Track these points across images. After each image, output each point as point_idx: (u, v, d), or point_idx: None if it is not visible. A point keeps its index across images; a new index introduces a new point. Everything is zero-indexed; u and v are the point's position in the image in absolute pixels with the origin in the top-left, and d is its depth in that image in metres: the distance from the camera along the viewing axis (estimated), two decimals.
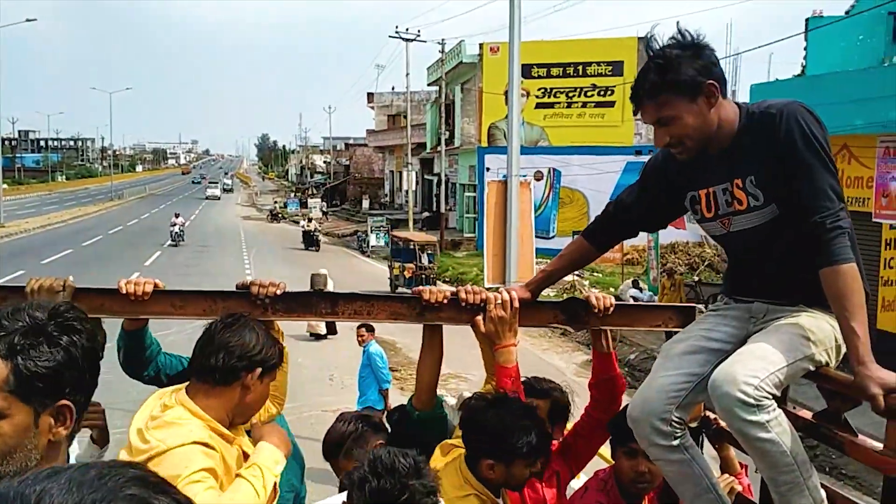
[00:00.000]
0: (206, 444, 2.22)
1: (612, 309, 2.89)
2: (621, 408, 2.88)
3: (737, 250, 2.57)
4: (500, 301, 2.82)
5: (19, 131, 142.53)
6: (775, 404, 2.21)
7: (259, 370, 2.36)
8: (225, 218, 55.83)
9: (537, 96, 31.61)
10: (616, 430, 2.87)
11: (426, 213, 43.24)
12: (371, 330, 9.64)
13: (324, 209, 54.09)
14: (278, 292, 2.78)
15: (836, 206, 2.24)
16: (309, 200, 61.53)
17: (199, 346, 2.38)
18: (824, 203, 2.24)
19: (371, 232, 35.79)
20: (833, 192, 2.25)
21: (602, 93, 31.10)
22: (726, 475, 2.84)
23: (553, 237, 29.00)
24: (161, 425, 2.23)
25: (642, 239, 21.31)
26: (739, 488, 2.81)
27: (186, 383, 2.42)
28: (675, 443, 2.46)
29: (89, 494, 0.71)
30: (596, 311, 2.87)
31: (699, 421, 2.92)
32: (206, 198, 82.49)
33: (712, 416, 2.96)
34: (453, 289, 2.96)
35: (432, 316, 2.90)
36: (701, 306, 2.96)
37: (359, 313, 2.87)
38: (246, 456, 2.37)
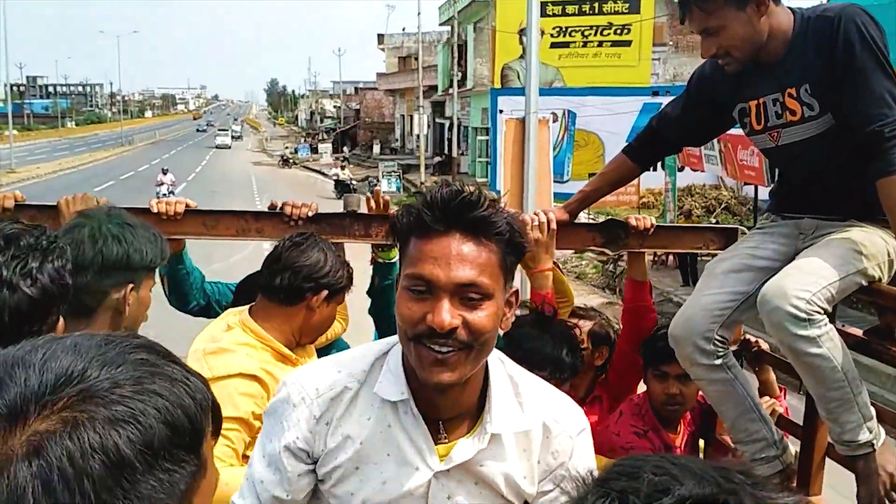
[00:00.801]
0: (253, 377, 2.19)
1: (652, 230, 2.83)
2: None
3: (786, 164, 2.49)
4: (536, 223, 2.75)
5: (27, 77, 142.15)
6: (826, 319, 2.16)
7: (325, 293, 2.33)
8: (235, 164, 55.59)
9: (552, 35, 31.02)
10: (647, 352, 2.84)
11: (437, 158, 42.90)
12: None
13: (346, 155, 53.66)
14: (310, 213, 2.74)
15: (895, 114, 2.16)
16: (319, 146, 61.22)
17: (266, 265, 2.34)
18: (882, 111, 2.15)
19: (382, 177, 35.62)
20: (893, 98, 2.16)
21: (618, 31, 30.50)
22: (766, 397, 2.80)
23: (567, 181, 28.70)
24: (216, 351, 2.22)
25: (659, 181, 21.16)
26: (781, 410, 2.78)
27: (252, 303, 2.39)
28: (718, 362, 2.42)
29: (97, 357, 0.68)
30: (636, 231, 2.82)
31: (738, 344, 2.87)
32: (217, 146, 74.18)
33: (752, 338, 2.92)
34: None
35: None
36: (743, 227, 2.90)
37: (391, 235, 2.82)
38: None
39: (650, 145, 2.73)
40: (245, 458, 2.18)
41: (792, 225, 2.45)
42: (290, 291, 2.28)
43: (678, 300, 14.56)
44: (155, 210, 2.65)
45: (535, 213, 2.79)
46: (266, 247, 2.60)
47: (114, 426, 0.64)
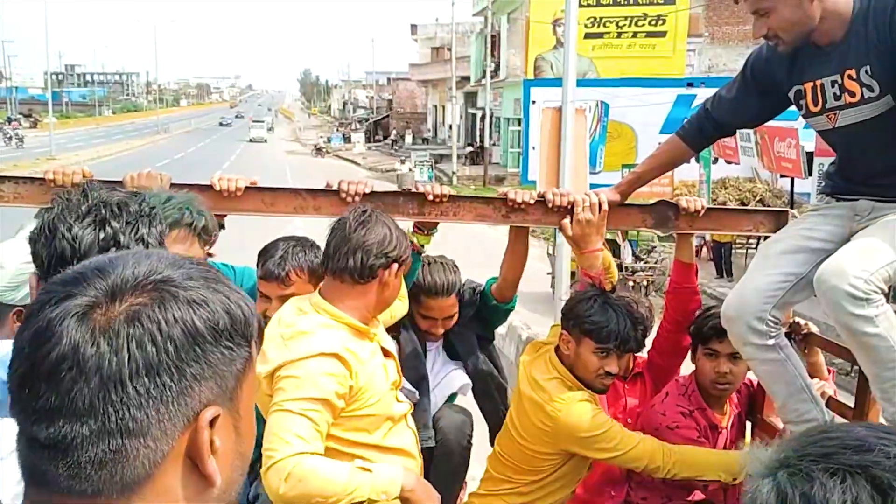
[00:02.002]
0: (334, 356, 2.22)
1: (702, 212, 2.85)
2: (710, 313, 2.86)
3: (842, 146, 2.49)
4: (588, 203, 2.79)
5: (66, 65, 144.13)
6: (884, 299, 2.17)
7: (395, 266, 2.36)
8: (269, 153, 55.91)
9: (586, 26, 30.78)
10: (697, 331, 2.86)
11: (469, 148, 42.86)
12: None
13: (412, 149, 53.46)
14: (367, 190, 2.79)
15: None
16: (352, 135, 61.40)
17: (332, 246, 2.36)
18: None
19: (415, 166, 35.67)
20: None
21: (653, 22, 30.21)
22: (817, 379, 2.81)
23: (600, 172, 28.43)
24: (294, 335, 2.26)
25: (693, 173, 20.94)
26: (831, 391, 2.79)
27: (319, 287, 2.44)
28: (771, 342, 2.44)
29: (172, 263, 0.85)
30: (686, 213, 2.84)
31: (787, 326, 2.88)
32: (251, 140, 66.47)
33: (802, 321, 2.93)
34: (540, 190, 2.94)
35: (518, 217, 2.90)
36: (794, 211, 2.91)
37: (445, 214, 2.87)
38: (384, 352, 2.41)
39: (704, 128, 2.74)
40: (331, 437, 2.22)
41: (847, 207, 2.46)
42: (364, 270, 2.31)
43: (711, 292, 14.44)
44: (217, 187, 2.71)
45: (585, 194, 2.82)
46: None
47: (190, 306, 0.80)
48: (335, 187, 2.81)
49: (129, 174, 2.69)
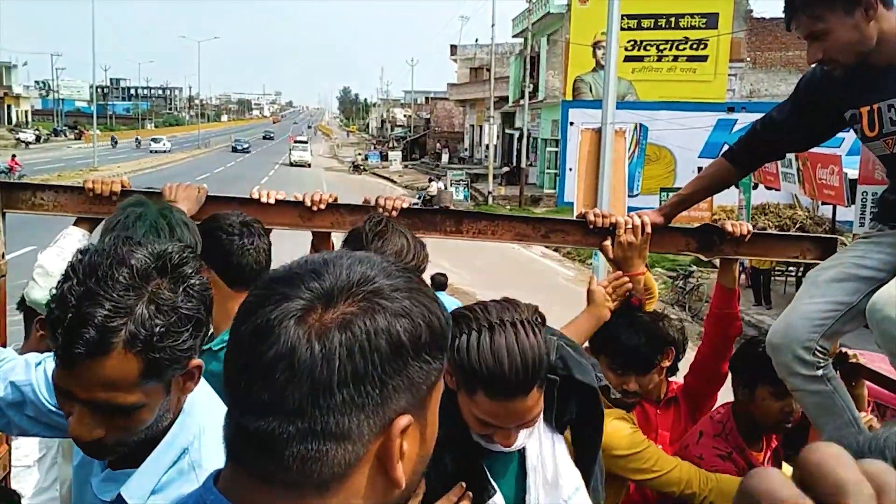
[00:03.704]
0: None
1: (748, 237, 2.77)
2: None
3: None
4: (630, 226, 2.72)
5: (111, 79, 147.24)
6: None
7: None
8: (306, 169, 56.39)
9: (626, 49, 30.72)
10: (762, 369, 2.72)
11: (505, 168, 42.89)
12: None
13: (437, 167, 53.41)
14: (404, 205, 2.76)
15: None
16: (389, 153, 61.82)
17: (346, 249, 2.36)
18: None
19: (451, 185, 35.75)
20: None
21: (695, 46, 30.06)
22: (862, 413, 2.70)
23: (637, 195, 28.32)
24: None
25: (732, 198, 20.72)
26: (877, 426, 2.67)
27: None
28: (819, 373, 2.35)
29: (383, 269, 0.87)
30: (732, 237, 2.76)
31: (834, 356, 2.78)
32: (292, 163, 57.74)
33: (850, 351, 2.83)
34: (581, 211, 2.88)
35: (557, 238, 2.85)
36: (843, 238, 2.81)
37: (483, 233, 2.83)
38: None
39: (753, 150, 2.67)
40: None
41: None
42: None
43: (749, 319, 14.19)
44: (256, 196, 2.71)
45: (629, 216, 2.76)
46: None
47: (395, 317, 0.82)
48: (373, 203, 2.78)
49: (168, 185, 2.69)
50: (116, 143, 76.83)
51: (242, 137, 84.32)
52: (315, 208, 2.73)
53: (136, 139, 76.78)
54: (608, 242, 2.74)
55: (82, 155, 54.21)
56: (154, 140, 72.99)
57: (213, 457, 0.93)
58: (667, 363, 2.83)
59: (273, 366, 0.79)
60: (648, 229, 2.71)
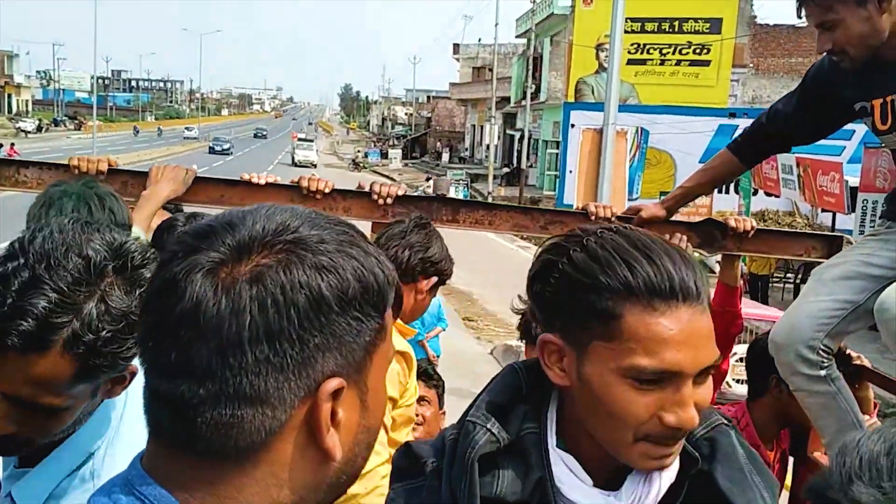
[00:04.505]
0: (402, 354, 2.23)
1: (752, 233, 2.70)
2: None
3: None
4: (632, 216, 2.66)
5: (112, 71, 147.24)
6: None
7: (435, 279, 2.35)
8: (309, 169, 56.18)
9: (629, 52, 30.65)
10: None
11: (506, 169, 42.86)
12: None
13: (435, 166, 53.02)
14: (400, 192, 2.69)
15: None
16: (390, 151, 61.82)
17: (384, 237, 2.34)
18: None
19: (451, 185, 35.71)
20: None
21: (698, 51, 30.02)
22: (866, 416, 2.63)
23: (637, 198, 28.29)
24: None
25: (732, 204, 20.70)
26: None
27: None
28: (822, 373, 2.28)
29: (309, 219, 0.80)
30: (734, 233, 2.70)
31: (838, 358, 2.71)
32: (296, 163, 50.66)
33: (854, 353, 2.76)
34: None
35: (556, 229, 2.78)
36: (849, 236, 2.74)
37: (480, 223, 2.76)
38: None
39: (757, 142, 2.60)
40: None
41: None
42: (408, 269, 2.28)
43: (746, 325, 14.13)
44: (248, 177, 2.65)
45: (629, 208, 2.70)
46: None
47: (318, 271, 0.75)
48: (367, 189, 2.71)
49: (155, 166, 2.62)
50: (138, 132, 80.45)
51: (223, 136, 67.82)
52: (316, 195, 2.66)
53: (159, 129, 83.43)
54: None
55: (81, 145, 54.09)
56: (188, 129, 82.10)
57: (120, 467, 0.82)
58: None
59: (178, 323, 0.73)
60: (645, 217, 2.66)
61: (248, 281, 0.73)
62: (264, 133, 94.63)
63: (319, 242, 0.77)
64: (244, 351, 0.72)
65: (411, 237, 2.32)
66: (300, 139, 60.30)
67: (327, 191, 2.67)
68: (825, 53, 2.30)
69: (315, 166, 51.05)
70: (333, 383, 0.76)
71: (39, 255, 1.12)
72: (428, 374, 3.07)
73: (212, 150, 61.01)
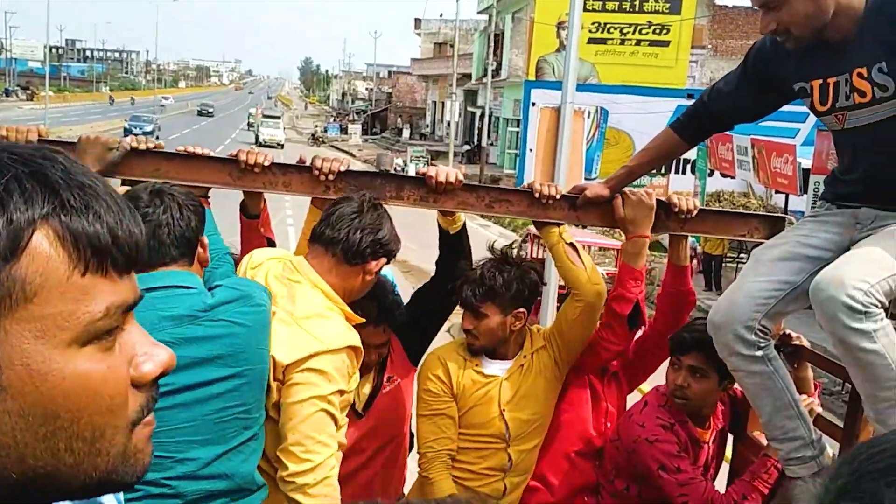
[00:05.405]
0: (354, 349, 2.19)
1: (695, 212, 2.70)
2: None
3: (848, 149, 2.34)
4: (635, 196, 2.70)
5: (66, 40, 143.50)
6: (884, 314, 2.03)
7: (384, 260, 2.32)
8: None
9: (590, 31, 30.70)
10: (672, 340, 2.74)
11: (466, 146, 42.74)
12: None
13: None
14: (342, 168, 2.63)
15: None
16: (349, 126, 61.25)
17: (335, 217, 2.29)
18: None
19: (410, 161, 35.47)
20: None
21: (657, 31, 30.14)
22: (804, 395, 2.67)
23: (595, 178, 28.39)
24: (311, 316, 2.17)
25: (688, 184, 20.91)
26: (819, 410, 2.64)
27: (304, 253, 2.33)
28: (759, 353, 2.30)
29: None
30: (678, 212, 2.69)
31: (777, 338, 2.74)
32: (260, 144, 43.27)
33: (793, 333, 2.79)
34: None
35: (501, 208, 2.76)
36: (790, 217, 2.77)
37: (425, 200, 2.71)
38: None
39: (699, 121, 2.60)
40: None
41: (848, 214, 2.31)
42: (358, 251, 2.24)
43: (700, 304, 14.34)
44: (182, 150, 2.57)
45: (574, 186, 2.69)
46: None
47: None
48: (308, 163, 2.64)
49: (84, 135, 2.52)
50: (114, 101, 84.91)
51: (144, 114, 53.06)
52: (254, 169, 2.58)
53: (110, 98, 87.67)
54: (619, 200, 2.67)
55: (33, 116, 52.66)
56: (164, 98, 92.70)
57: None
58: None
59: None
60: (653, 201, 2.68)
61: None
62: (210, 110, 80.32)
63: None
64: None
65: (364, 218, 2.27)
66: (265, 115, 55.51)
67: (267, 163, 2.60)
68: (766, 34, 2.30)
69: (282, 146, 45.97)
70: None
71: None
72: None
73: (200, 113, 73.42)
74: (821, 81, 2.24)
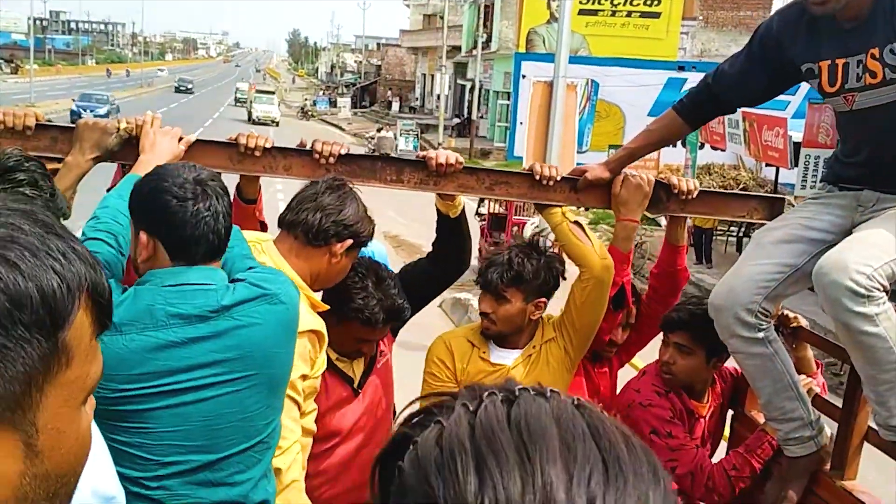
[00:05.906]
0: (316, 333, 2.18)
1: (695, 193, 2.71)
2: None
3: (855, 131, 2.34)
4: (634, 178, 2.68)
5: (50, 12, 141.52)
6: (886, 297, 2.04)
7: (350, 242, 2.26)
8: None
9: (581, 2, 30.47)
10: (664, 317, 2.76)
11: (456, 119, 42.54)
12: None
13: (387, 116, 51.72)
14: (342, 151, 2.62)
15: None
16: (338, 100, 60.84)
17: (297, 199, 2.28)
18: None
19: (400, 135, 35.31)
20: None
21: (648, 2, 29.95)
22: (803, 376, 2.69)
23: (586, 151, 28.30)
24: None
25: (679, 157, 20.93)
26: (818, 390, 2.67)
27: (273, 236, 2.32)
28: (759, 335, 2.31)
29: None
30: (678, 194, 2.70)
31: (776, 319, 2.76)
32: (253, 121, 42.22)
33: (791, 314, 2.81)
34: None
35: (501, 190, 2.75)
36: (790, 198, 2.77)
37: (425, 183, 2.70)
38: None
39: (704, 103, 2.58)
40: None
41: (851, 197, 2.31)
42: (318, 231, 2.22)
43: (690, 277, 14.40)
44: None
45: (574, 169, 2.69)
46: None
47: None
48: (309, 146, 2.63)
49: (83, 121, 2.49)
50: (111, 74, 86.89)
51: (97, 92, 42.37)
52: (255, 153, 2.55)
53: (107, 71, 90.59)
54: (620, 177, 2.67)
55: (18, 90, 52.09)
56: (160, 70, 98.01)
57: None
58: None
59: None
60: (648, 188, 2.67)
61: None
62: (189, 86, 73.13)
63: None
64: None
65: (323, 199, 2.26)
66: (259, 91, 51.82)
67: (268, 146, 2.57)
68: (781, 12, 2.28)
69: (277, 124, 43.45)
70: None
71: None
72: None
73: (178, 90, 69.78)
74: (829, 62, 2.23)
